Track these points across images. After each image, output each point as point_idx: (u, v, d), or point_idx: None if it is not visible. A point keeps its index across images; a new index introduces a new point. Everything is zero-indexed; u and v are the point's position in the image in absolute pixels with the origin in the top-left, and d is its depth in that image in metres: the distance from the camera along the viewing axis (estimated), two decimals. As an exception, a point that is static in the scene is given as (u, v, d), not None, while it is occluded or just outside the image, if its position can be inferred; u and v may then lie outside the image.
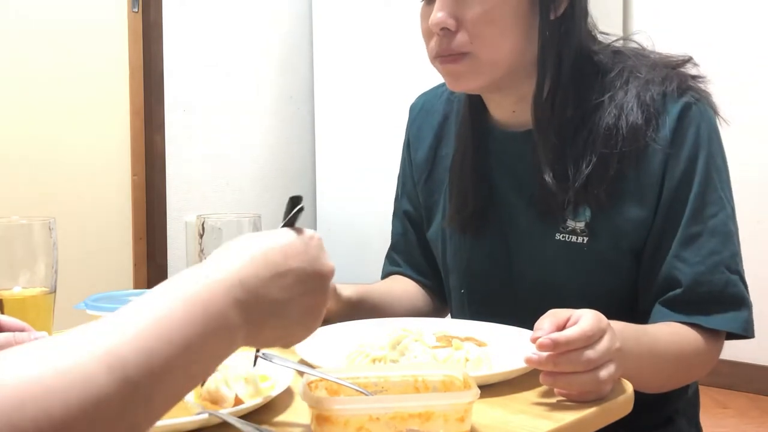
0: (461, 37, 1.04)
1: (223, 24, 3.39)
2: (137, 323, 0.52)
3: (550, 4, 1.04)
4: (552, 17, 1.05)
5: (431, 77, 1.36)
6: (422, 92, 1.35)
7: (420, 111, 1.31)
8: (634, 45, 1.15)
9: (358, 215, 3.35)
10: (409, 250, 1.33)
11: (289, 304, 0.63)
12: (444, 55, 1.06)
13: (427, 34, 1.09)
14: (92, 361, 0.48)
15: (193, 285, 0.57)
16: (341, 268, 3.36)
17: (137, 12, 3.11)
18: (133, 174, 3.13)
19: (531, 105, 1.09)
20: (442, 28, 1.04)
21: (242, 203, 3.47)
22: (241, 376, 0.80)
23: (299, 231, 0.68)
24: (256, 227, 1.05)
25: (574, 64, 1.08)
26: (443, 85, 1.28)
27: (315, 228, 3.59)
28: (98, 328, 0.52)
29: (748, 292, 1.05)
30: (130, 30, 3.09)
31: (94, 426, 0.47)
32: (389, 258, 1.37)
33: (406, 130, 1.33)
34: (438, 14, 1.03)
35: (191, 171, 3.31)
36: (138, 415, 0.50)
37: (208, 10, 3.34)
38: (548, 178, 1.06)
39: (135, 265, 3.15)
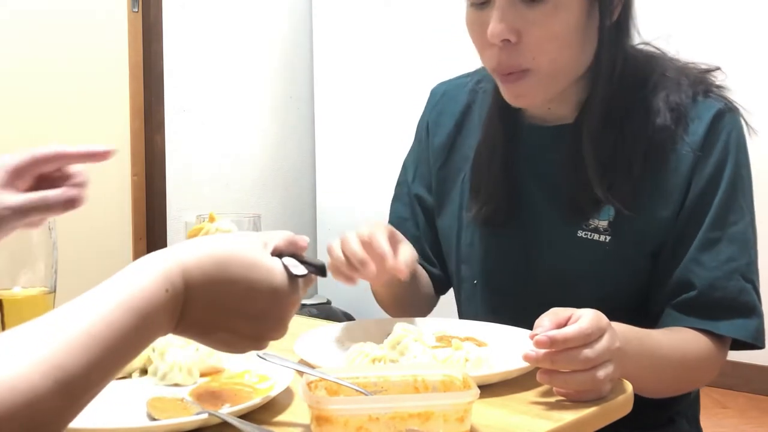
0: (524, 53, 1.00)
1: (223, 24, 3.39)
2: (83, 332, 0.52)
3: (607, 10, 1.02)
4: (608, 23, 1.03)
5: (431, 77, 1.36)
6: (443, 80, 1.31)
7: (442, 97, 1.28)
8: (653, 50, 1.13)
9: (358, 214, 3.35)
10: (415, 235, 1.27)
11: (217, 328, 0.63)
12: (505, 72, 1.03)
13: (483, 44, 1.04)
14: (35, 373, 0.48)
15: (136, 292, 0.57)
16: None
17: (137, 12, 3.11)
18: (133, 174, 3.14)
19: (585, 109, 1.07)
20: (503, 40, 1.00)
21: (242, 203, 3.47)
22: None
23: (294, 281, 0.66)
24: (256, 227, 1.05)
25: (623, 67, 1.07)
26: (467, 75, 1.26)
27: (315, 228, 3.60)
28: (41, 335, 0.51)
29: (760, 302, 1.05)
30: (130, 30, 3.09)
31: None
32: None
33: (424, 114, 1.30)
34: (499, 25, 0.99)
35: (191, 171, 3.31)
36: (70, 416, 0.51)
37: (208, 10, 3.34)
38: (595, 181, 1.04)
39: (135, 265, 3.15)
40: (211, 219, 0.96)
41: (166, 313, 0.59)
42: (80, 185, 0.83)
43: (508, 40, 1.00)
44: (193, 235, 0.95)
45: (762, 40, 3.04)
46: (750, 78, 2.94)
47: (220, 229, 0.95)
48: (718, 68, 1.11)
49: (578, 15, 1.00)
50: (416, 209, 1.28)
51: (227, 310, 0.62)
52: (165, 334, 0.61)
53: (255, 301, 0.63)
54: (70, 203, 0.81)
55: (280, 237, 0.68)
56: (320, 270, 0.68)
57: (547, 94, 1.06)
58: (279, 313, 0.65)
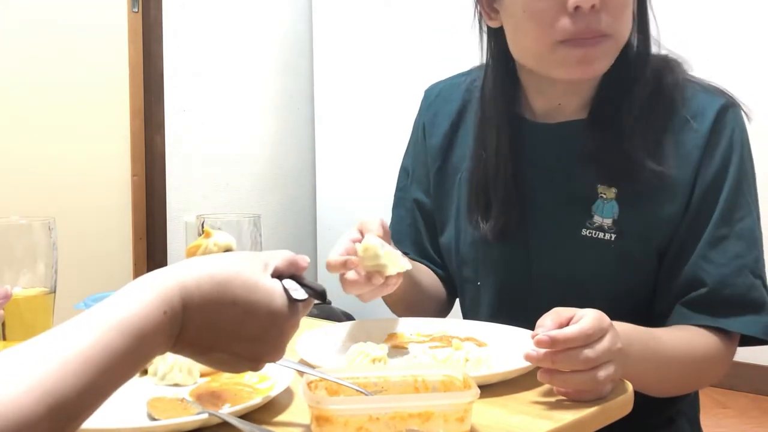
0: (604, 18, 1.00)
1: (223, 24, 3.39)
2: (78, 355, 0.52)
3: None
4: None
5: (432, 77, 1.35)
6: (437, 81, 1.31)
7: (437, 98, 1.27)
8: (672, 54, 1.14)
9: (358, 215, 3.34)
10: (418, 240, 1.27)
11: (213, 351, 0.63)
12: (587, 37, 1.00)
13: (553, 15, 1.00)
14: (26, 399, 0.48)
15: (132, 316, 0.56)
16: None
17: (137, 12, 3.11)
18: (133, 174, 3.14)
19: (597, 100, 1.08)
20: (588, 6, 0.99)
21: (242, 203, 3.47)
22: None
23: (293, 305, 0.66)
24: (256, 227, 1.05)
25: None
26: (461, 75, 1.26)
27: (315, 228, 3.60)
28: (34, 357, 0.51)
29: None
30: (130, 30, 3.09)
31: None
32: None
33: (420, 115, 1.29)
34: None
35: (191, 171, 3.31)
36: None
37: (208, 10, 3.34)
38: (635, 147, 1.05)
39: (135, 265, 3.15)
40: (207, 235, 0.93)
41: (164, 334, 0.58)
42: None
43: (593, 6, 0.99)
44: (191, 252, 0.92)
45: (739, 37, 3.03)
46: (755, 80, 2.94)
47: (218, 243, 0.92)
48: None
49: None
50: (416, 214, 1.28)
51: (225, 331, 0.62)
52: (162, 354, 0.61)
53: (253, 323, 0.63)
54: None
55: (280, 257, 0.67)
56: (320, 295, 0.67)
57: (609, 65, 1.05)
58: (277, 336, 0.65)
